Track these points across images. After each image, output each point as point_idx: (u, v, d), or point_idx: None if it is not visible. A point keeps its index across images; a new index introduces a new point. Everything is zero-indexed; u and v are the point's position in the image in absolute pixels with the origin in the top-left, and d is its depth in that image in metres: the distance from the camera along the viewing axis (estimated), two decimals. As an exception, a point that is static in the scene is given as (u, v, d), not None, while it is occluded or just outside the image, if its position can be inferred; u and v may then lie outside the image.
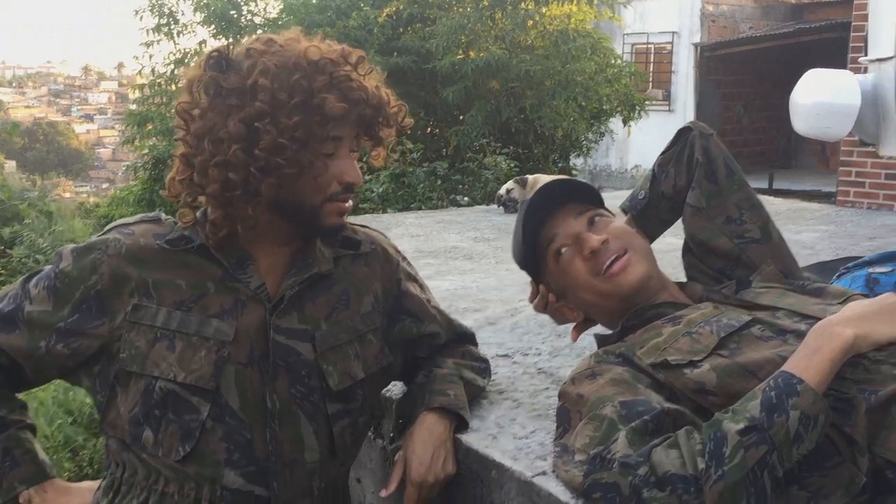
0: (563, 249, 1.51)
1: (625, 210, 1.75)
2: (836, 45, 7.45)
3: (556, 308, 1.58)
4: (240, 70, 1.27)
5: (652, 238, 1.71)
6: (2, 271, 7.43)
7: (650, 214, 1.70)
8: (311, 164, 1.28)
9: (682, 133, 1.66)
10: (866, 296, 1.54)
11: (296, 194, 1.31)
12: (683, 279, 1.65)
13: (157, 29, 9.72)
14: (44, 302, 1.32)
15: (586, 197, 1.57)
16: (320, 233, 1.38)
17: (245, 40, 1.35)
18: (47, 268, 1.37)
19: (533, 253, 1.55)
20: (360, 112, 1.32)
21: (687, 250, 1.67)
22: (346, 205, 1.36)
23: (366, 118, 1.33)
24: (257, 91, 1.24)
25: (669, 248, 1.81)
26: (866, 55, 2.57)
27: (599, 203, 1.58)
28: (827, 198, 7.36)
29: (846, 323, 1.19)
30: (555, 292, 1.57)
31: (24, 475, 1.38)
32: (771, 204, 5.01)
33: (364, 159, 1.47)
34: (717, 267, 1.60)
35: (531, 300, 1.64)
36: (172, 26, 9.79)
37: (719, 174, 1.61)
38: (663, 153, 1.69)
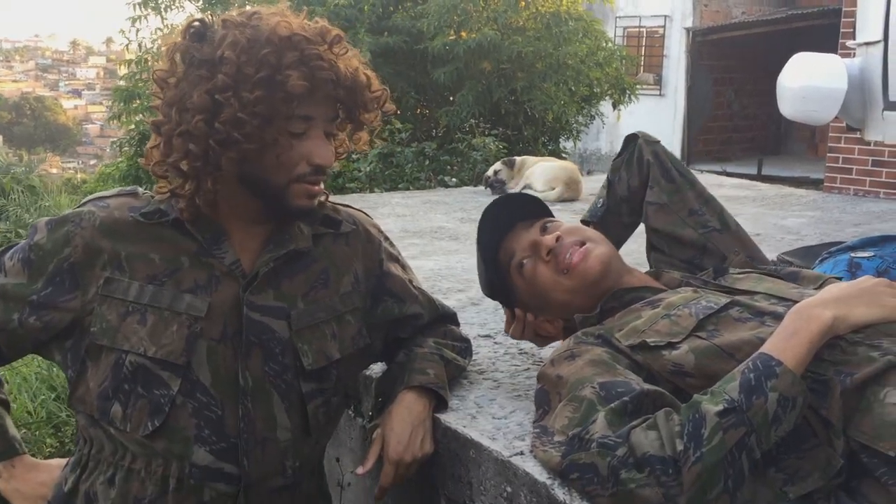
0: (525, 261, 1.54)
1: (585, 221, 1.80)
2: (828, 32, 7.44)
3: (536, 325, 1.60)
4: (212, 41, 1.25)
5: (617, 244, 1.76)
6: (-14, 246, 7.38)
7: (611, 221, 1.77)
8: (274, 141, 1.26)
9: (630, 140, 1.78)
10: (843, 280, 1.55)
11: (260, 171, 1.29)
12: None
13: (145, 3, 9.60)
14: (18, 274, 1.31)
15: (532, 211, 1.61)
16: (289, 213, 1.35)
17: (230, 11, 1.33)
18: (23, 241, 1.35)
19: (498, 278, 1.58)
20: (331, 92, 1.29)
21: (651, 248, 1.74)
22: (315, 187, 1.33)
23: (340, 99, 1.31)
24: (223, 63, 1.22)
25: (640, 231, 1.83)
26: (855, 39, 2.57)
27: (546, 213, 1.63)
28: (815, 184, 7.38)
29: (824, 305, 1.20)
30: (530, 309, 1.59)
31: None
32: (758, 189, 5.03)
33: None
34: (685, 258, 1.67)
35: (507, 329, 1.66)
36: (160, 1, 9.67)
37: (673, 174, 1.72)
38: (614, 160, 1.79)
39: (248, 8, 1.32)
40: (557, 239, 1.50)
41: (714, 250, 1.65)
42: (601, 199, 1.80)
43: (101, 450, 1.32)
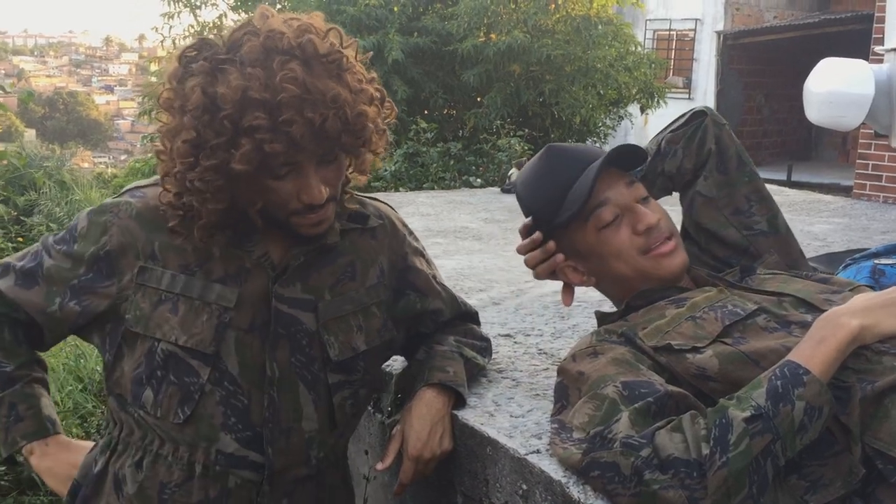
0: (613, 219, 1.43)
1: None
2: (862, 37, 7.36)
3: (561, 266, 1.50)
4: (185, 87, 1.21)
5: None
6: (19, 239, 7.50)
7: None
8: (251, 192, 1.24)
9: (696, 116, 1.62)
10: (872, 287, 1.54)
11: (259, 210, 1.28)
12: None
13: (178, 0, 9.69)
14: (62, 260, 1.36)
15: (631, 161, 1.49)
16: (302, 238, 1.34)
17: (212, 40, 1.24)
18: (67, 229, 1.39)
19: (573, 209, 1.43)
20: (296, 152, 1.20)
21: (686, 236, 1.64)
22: (316, 217, 1.29)
23: (323, 147, 1.23)
24: (184, 128, 1.20)
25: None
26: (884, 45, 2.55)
27: (642, 160, 1.52)
28: (845, 191, 7.29)
29: (852, 314, 1.18)
30: (571, 252, 1.49)
31: (26, 430, 1.42)
32: (786, 195, 4.98)
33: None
34: (719, 256, 1.59)
35: (524, 251, 1.52)
36: (193, -2, 9.75)
37: (730, 165, 1.60)
38: (673, 130, 1.63)
39: (280, 8, 1.28)
40: (659, 220, 1.43)
41: (755, 254, 1.57)
42: None
43: (131, 433, 1.35)
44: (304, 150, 1.21)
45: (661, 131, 1.67)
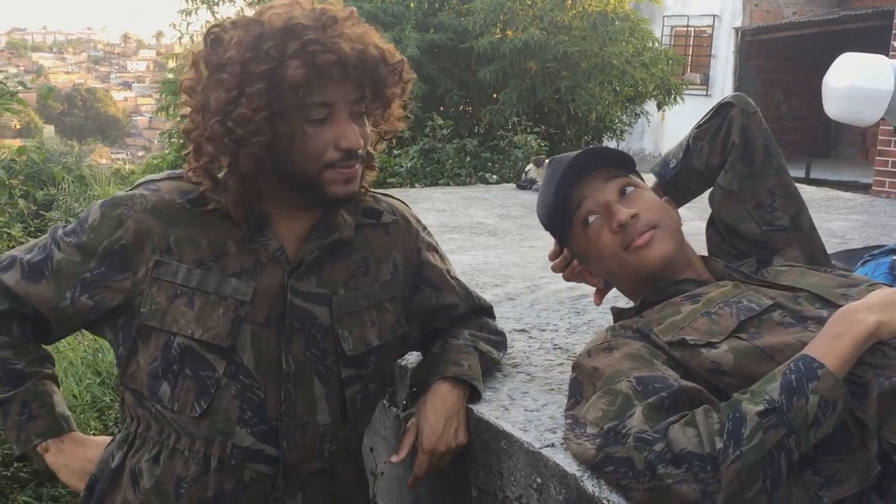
0: (591, 218, 1.47)
1: (655, 173, 1.71)
2: (881, 33, 7.30)
3: (579, 272, 1.58)
4: (223, 44, 1.26)
5: (679, 204, 1.65)
6: (38, 233, 7.56)
7: (679, 184, 1.66)
8: (291, 133, 1.27)
9: (722, 109, 1.60)
10: (891, 285, 1.53)
11: (291, 163, 1.29)
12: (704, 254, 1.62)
13: (195, -4, 9.72)
14: (73, 253, 1.35)
15: (619, 163, 1.52)
16: (329, 202, 1.36)
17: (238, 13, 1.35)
18: (77, 221, 1.39)
19: (560, 214, 1.50)
20: (342, 74, 1.26)
21: (711, 224, 1.65)
22: (349, 171, 1.31)
23: (354, 79, 1.28)
24: (229, 64, 1.24)
25: (695, 232, 1.79)
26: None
27: (631, 169, 1.54)
28: (864, 189, 7.23)
29: (869, 310, 1.18)
30: (578, 257, 1.56)
31: (40, 428, 1.42)
32: (805, 192, 4.93)
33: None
34: (740, 249, 1.58)
35: (552, 258, 1.62)
36: (210, -6, 9.78)
37: (756, 157, 1.57)
38: (699, 126, 1.63)
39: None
40: (633, 216, 1.43)
41: (774, 249, 1.55)
42: (675, 160, 1.66)
43: (148, 428, 1.36)
44: (349, 79, 1.26)
45: (695, 126, 1.67)
